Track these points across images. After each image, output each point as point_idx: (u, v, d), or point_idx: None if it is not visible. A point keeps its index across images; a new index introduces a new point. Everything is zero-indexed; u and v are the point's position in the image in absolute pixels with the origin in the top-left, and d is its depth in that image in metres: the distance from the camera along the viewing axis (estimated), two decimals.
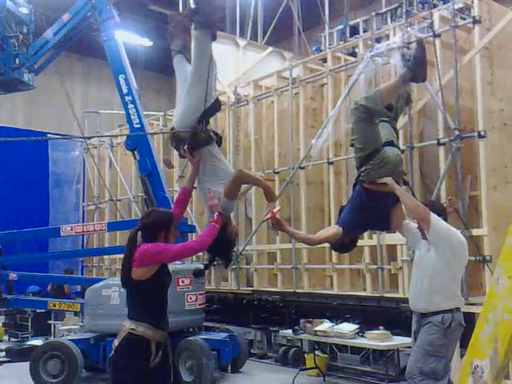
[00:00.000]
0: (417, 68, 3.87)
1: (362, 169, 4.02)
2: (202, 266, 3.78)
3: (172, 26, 4.40)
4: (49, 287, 11.07)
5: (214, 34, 3.89)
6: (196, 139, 3.81)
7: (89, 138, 12.69)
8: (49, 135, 14.06)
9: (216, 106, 4.04)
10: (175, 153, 6.13)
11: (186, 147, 3.82)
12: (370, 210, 4.06)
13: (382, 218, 4.17)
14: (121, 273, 3.44)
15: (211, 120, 9.99)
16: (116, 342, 3.36)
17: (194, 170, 3.87)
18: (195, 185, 4.00)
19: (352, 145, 4.16)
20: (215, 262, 3.92)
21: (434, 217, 3.97)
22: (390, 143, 4.13)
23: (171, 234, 3.46)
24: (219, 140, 4.06)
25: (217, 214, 3.53)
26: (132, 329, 3.30)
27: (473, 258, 5.88)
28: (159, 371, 3.35)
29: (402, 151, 5.18)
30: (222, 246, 3.69)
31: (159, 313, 3.44)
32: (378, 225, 4.44)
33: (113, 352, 3.37)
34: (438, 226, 3.98)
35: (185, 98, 3.91)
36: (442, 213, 4.13)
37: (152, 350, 3.29)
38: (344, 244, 4.30)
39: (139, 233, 3.41)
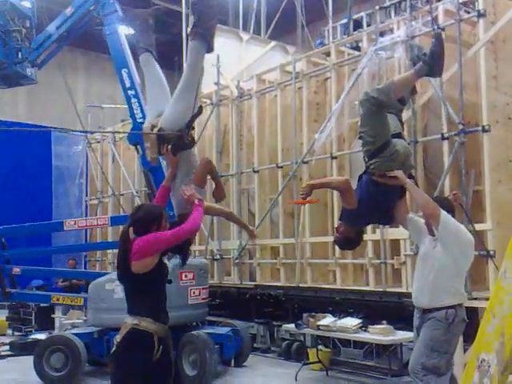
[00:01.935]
0: (434, 62, 3.82)
1: (372, 161, 3.97)
2: None
3: (138, 24, 4.54)
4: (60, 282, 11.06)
5: (212, 46, 4.07)
6: (181, 142, 4.04)
7: (91, 132, 12.68)
8: (52, 129, 14.09)
9: (199, 112, 4.29)
10: None
11: (169, 147, 4.05)
12: (376, 202, 4.04)
13: (387, 211, 4.15)
14: (117, 269, 3.45)
15: (213, 115, 9.95)
16: (118, 338, 3.35)
17: (173, 170, 4.06)
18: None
19: (360, 137, 4.12)
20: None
21: (443, 213, 3.94)
22: (398, 135, 4.10)
23: (162, 227, 3.47)
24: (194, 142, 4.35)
25: (197, 199, 3.70)
26: (135, 324, 3.30)
27: (476, 253, 5.86)
28: (161, 365, 3.35)
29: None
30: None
31: (160, 306, 3.45)
32: (382, 218, 4.41)
33: (115, 348, 3.37)
34: (448, 223, 3.95)
35: (175, 101, 4.18)
36: (450, 210, 4.10)
37: (155, 344, 3.30)
38: (349, 239, 4.28)
39: (131, 229, 3.42)
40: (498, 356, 2.52)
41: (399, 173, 3.93)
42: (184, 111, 4.04)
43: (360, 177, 4.22)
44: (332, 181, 4.88)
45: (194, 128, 4.26)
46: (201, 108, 4.33)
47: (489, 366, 2.56)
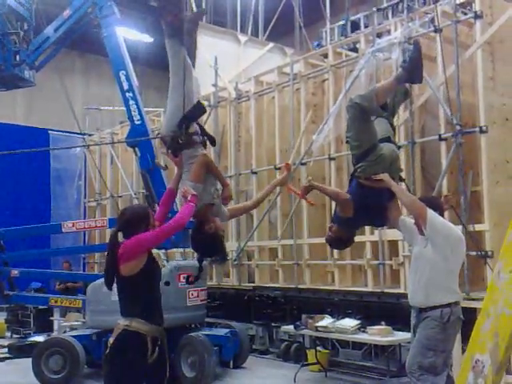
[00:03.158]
0: (412, 69, 3.88)
1: (358, 165, 4.04)
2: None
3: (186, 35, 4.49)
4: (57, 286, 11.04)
5: (181, 39, 4.03)
6: (176, 143, 3.96)
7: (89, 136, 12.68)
8: (50, 132, 14.10)
9: (197, 110, 4.14)
10: None
11: (167, 149, 4.02)
12: (366, 205, 4.06)
13: (378, 214, 4.18)
14: (105, 274, 3.45)
15: (211, 117, 9.92)
16: (111, 340, 3.36)
17: (178, 171, 4.01)
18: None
19: (347, 141, 4.18)
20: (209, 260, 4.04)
21: (430, 213, 3.98)
22: (387, 139, 4.13)
23: (151, 227, 3.46)
24: (212, 141, 4.24)
25: (191, 195, 3.62)
26: (126, 325, 3.30)
27: (474, 254, 5.88)
28: (155, 366, 3.35)
29: (399, 147, 5.17)
30: (206, 244, 3.82)
31: (152, 307, 3.43)
32: (373, 221, 4.44)
33: (108, 349, 3.37)
34: (435, 221, 3.99)
35: (168, 104, 4.12)
36: (438, 208, 4.14)
37: (148, 346, 3.29)
38: (341, 240, 4.31)
39: (119, 233, 3.42)
40: (492, 356, 2.52)
41: (385, 176, 3.98)
42: (174, 111, 4.02)
43: (350, 180, 4.27)
44: (333, 193, 4.59)
45: (189, 127, 4.17)
46: (201, 106, 4.18)
47: (483, 367, 2.57)
